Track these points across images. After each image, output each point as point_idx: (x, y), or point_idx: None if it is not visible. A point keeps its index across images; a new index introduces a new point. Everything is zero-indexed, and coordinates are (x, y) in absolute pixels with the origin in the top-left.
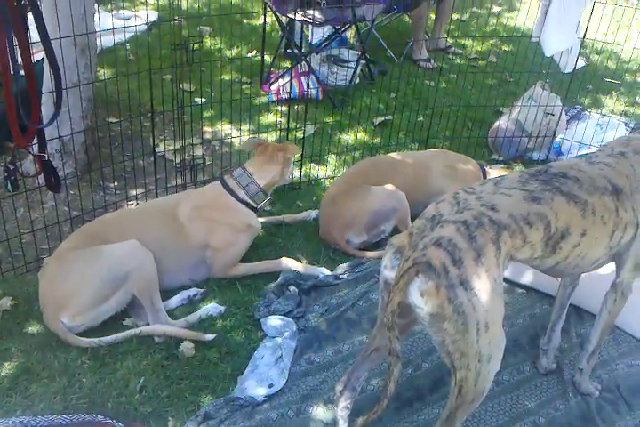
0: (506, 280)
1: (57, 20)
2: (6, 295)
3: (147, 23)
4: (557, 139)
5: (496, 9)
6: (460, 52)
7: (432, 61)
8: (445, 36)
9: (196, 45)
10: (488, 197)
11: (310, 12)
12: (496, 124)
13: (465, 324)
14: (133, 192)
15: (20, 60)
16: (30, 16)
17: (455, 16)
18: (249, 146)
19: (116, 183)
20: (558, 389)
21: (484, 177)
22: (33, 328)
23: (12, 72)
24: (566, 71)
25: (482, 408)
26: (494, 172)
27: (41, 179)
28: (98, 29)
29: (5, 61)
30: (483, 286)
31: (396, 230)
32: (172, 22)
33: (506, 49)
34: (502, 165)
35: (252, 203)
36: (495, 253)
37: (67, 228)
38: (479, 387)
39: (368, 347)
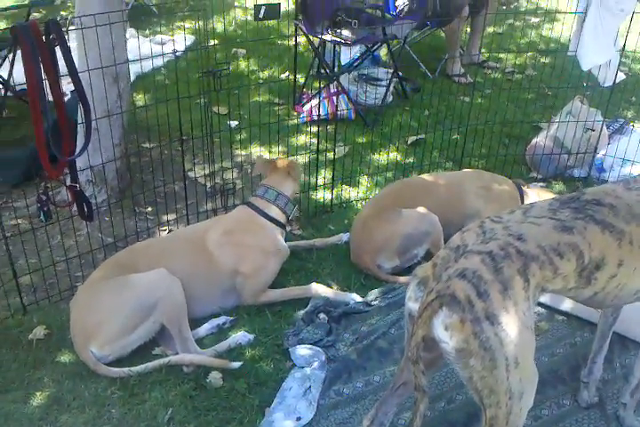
0: (545, 307)
1: (84, 52)
2: (40, 324)
3: (173, 51)
4: (599, 155)
5: (534, 20)
6: (497, 65)
7: (467, 76)
8: (481, 50)
9: (224, 72)
10: (515, 227)
11: (341, 32)
12: (533, 140)
13: (493, 360)
14: (166, 217)
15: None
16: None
17: (491, 29)
18: (262, 168)
19: (149, 209)
20: (601, 424)
21: (522, 197)
22: (65, 357)
23: (41, 106)
24: (605, 85)
25: None
26: (532, 191)
27: (74, 208)
28: (131, 56)
29: (35, 95)
30: (510, 320)
31: (429, 254)
32: (199, 50)
33: (544, 61)
34: (541, 184)
35: (282, 218)
36: (523, 286)
37: (100, 255)
38: (511, 426)
39: (396, 381)
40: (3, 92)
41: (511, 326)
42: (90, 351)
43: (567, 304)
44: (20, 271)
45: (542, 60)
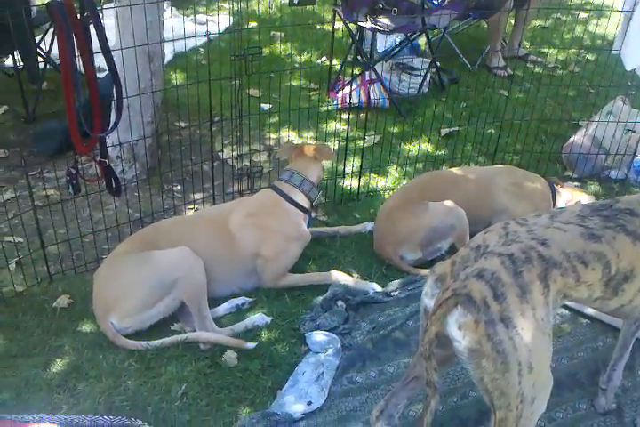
0: (569, 309)
1: (118, 31)
2: (64, 293)
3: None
4: (638, 157)
5: (583, 15)
6: (540, 60)
7: (507, 69)
8: (524, 43)
9: (256, 56)
10: (540, 231)
11: (380, 19)
12: (571, 139)
13: (505, 363)
14: (193, 197)
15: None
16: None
17: (536, 22)
18: (286, 152)
19: (177, 187)
20: None
21: (554, 196)
22: (86, 327)
23: (73, 82)
24: None
25: None
26: (566, 190)
27: (103, 182)
28: (171, 35)
29: (67, 72)
30: (526, 325)
31: (453, 248)
32: (234, 32)
33: (589, 58)
34: (576, 184)
35: (306, 203)
36: (542, 291)
37: (127, 229)
38: None
39: (408, 374)
40: (43, 64)
41: (526, 330)
42: (110, 323)
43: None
44: (48, 241)
45: (587, 56)
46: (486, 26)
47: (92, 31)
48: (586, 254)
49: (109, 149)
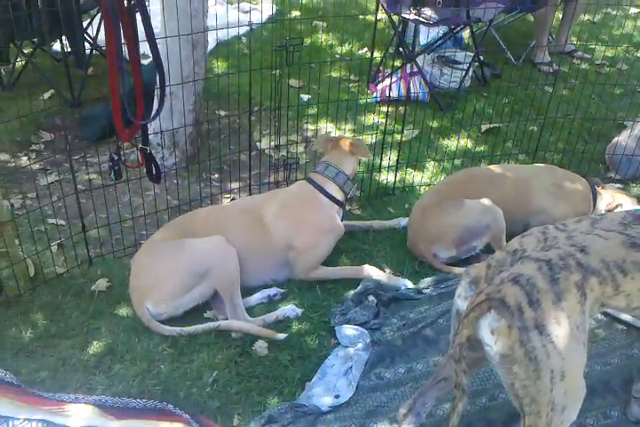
0: (605, 314)
1: (164, 18)
2: (103, 277)
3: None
4: None
5: (634, 10)
6: (587, 56)
7: (553, 65)
8: (571, 38)
9: (296, 47)
10: (580, 238)
11: (423, 11)
12: (615, 139)
13: (537, 370)
14: (230, 186)
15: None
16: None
17: (585, 17)
18: (322, 145)
19: (215, 176)
20: None
21: (594, 198)
22: (123, 311)
23: (119, 69)
24: None
25: None
26: (607, 192)
27: (144, 169)
28: (215, 23)
29: (112, 58)
30: (560, 333)
31: (488, 247)
32: (275, 22)
33: (639, 56)
34: (618, 185)
35: (340, 196)
36: (579, 300)
37: (165, 216)
38: None
39: (437, 375)
40: (89, 50)
41: (560, 338)
42: (145, 308)
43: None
44: (90, 225)
45: (636, 54)
46: (533, 19)
47: (138, 18)
48: (626, 263)
49: (150, 137)
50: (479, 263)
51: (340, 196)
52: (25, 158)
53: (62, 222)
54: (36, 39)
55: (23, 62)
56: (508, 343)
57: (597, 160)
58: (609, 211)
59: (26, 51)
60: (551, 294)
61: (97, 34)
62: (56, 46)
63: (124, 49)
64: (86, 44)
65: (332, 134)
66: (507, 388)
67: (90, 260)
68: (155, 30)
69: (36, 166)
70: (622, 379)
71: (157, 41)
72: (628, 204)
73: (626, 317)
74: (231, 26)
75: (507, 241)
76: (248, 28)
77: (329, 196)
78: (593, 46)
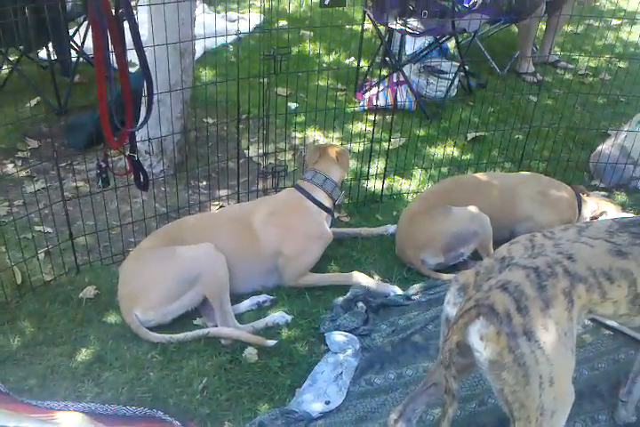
0: (592, 319)
1: (152, 26)
2: (91, 284)
3: (237, 32)
4: None
5: (615, 22)
6: (570, 66)
7: (537, 75)
8: (555, 49)
9: (284, 56)
10: (567, 245)
11: (409, 21)
12: (599, 148)
13: (526, 376)
14: (219, 193)
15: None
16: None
17: (568, 28)
18: (314, 156)
19: (203, 183)
20: None
21: (579, 205)
22: (111, 318)
23: (106, 76)
24: None
25: None
26: (592, 200)
27: (132, 176)
28: (202, 31)
29: (100, 66)
30: (548, 339)
31: (476, 254)
32: (263, 32)
33: (621, 66)
34: (603, 193)
35: (329, 203)
36: (566, 307)
37: (153, 223)
38: None
39: (427, 380)
40: (76, 57)
41: (549, 344)
42: (134, 315)
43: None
44: (77, 232)
45: (618, 64)
46: (517, 30)
47: (125, 26)
48: (612, 271)
49: (138, 144)
50: (468, 270)
51: (328, 203)
52: (11, 166)
53: (49, 230)
54: (22, 46)
55: (9, 70)
56: (496, 349)
57: (582, 168)
58: (594, 218)
59: (11, 58)
60: (539, 300)
61: (83, 41)
62: (42, 54)
63: (112, 57)
64: (72, 52)
65: (320, 143)
66: (496, 393)
67: (77, 267)
68: (142, 38)
69: (23, 174)
70: (609, 383)
71: (145, 49)
72: (612, 211)
73: (612, 322)
74: (219, 35)
75: (494, 248)
76: (235, 36)
77: (317, 203)
78: (576, 57)
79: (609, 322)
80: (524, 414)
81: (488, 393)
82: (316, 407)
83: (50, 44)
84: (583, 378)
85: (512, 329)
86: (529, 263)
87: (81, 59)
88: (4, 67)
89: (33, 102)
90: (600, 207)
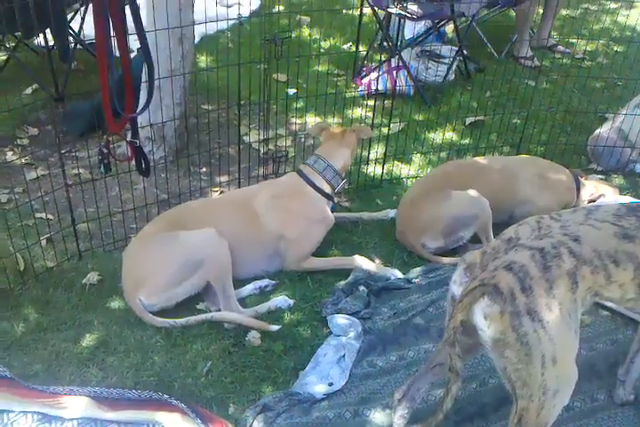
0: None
1: (153, 11)
2: (94, 270)
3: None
4: None
5: (612, 6)
6: (567, 51)
7: (535, 59)
8: (552, 33)
9: (285, 41)
10: (574, 227)
11: (408, 5)
12: (597, 131)
13: (529, 355)
14: (219, 179)
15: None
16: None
17: (565, 12)
18: (316, 130)
19: (204, 169)
20: (634, 422)
21: (578, 188)
22: (115, 304)
23: (108, 63)
24: None
25: None
26: (590, 183)
27: (133, 162)
28: (198, 17)
29: (102, 51)
30: (552, 319)
31: (475, 238)
32: (262, 16)
33: (618, 50)
34: (600, 176)
35: (328, 189)
36: (570, 288)
37: (155, 210)
38: (541, 420)
39: (432, 360)
40: (73, 44)
41: (552, 324)
42: (138, 300)
43: None
44: (79, 219)
45: (615, 48)
46: (515, 15)
47: (127, 11)
48: (618, 254)
49: (139, 130)
50: (475, 250)
51: (327, 189)
52: (10, 153)
53: (51, 217)
54: (19, 33)
55: (6, 57)
56: (500, 328)
57: (579, 152)
58: (592, 201)
59: (8, 45)
60: (543, 281)
61: (81, 27)
62: (39, 40)
63: (113, 42)
64: (70, 38)
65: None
66: (500, 372)
67: (80, 253)
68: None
69: (23, 161)
70: (608, 363)
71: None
72: (610, 194)
73: (610, 303)
74: (219, 20)
75: (493, 231)
76: (233, 22)
77: (317, 188)
78: (573, 41)
79: (607, 303)
80: (527, 393)
81: (489, 373)
82: (320, 389)
83: (48, 31)
84: (582, 358)
85: (516, 308)
86: (535, 244)
87: (78, 45)
88: (1, 54)
89: (30, 89)
90: (598, 190)
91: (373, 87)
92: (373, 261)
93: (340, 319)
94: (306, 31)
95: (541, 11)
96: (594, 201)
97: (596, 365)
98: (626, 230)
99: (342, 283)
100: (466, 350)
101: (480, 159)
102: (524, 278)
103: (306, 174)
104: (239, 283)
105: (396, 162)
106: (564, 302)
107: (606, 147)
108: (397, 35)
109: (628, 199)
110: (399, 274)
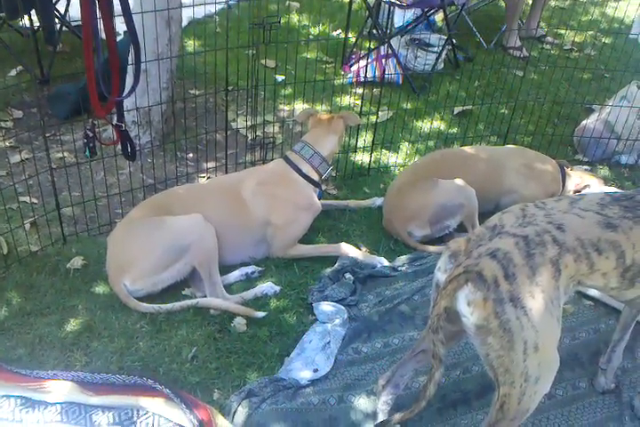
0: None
1: None
2: (78, 255)
3: (226, 1)
4: None
5: None
6: (556, 41)
7: (523, 50)
8: (541, 24)
9: (274, 25)
10: (558, 216)
11: None
12: (583, 122)
13: (511, 341)
14: (206, 165)
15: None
16: None
17: (554, 3)
18: (303, 116)
19: (190, 155)
20: (614, 410)
21: (563, 179)
22: (99, 289)
23: (93, 44)
24: None
25: (529, 420)
26: (575, 173)
27: (118, 146)
28: (188, 1)
29: (88, 34)
30: (534, 306)
31: (461, 227)
32: (250, 1)
33: (606, 42)
34: (586, 167)
35: (315, 176)
36: (553, 275)
37: (140, 195)
38: (523, 406)
39: (416, 347)
40: (59, 26)
41: (535, 311)
42: (122, 285)
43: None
44: (63, 203)
45: (603, 39)
46: (504, 4)
47: None
48: (600, 242)
49: (125, 114)
50: (459, 238)
51: (314, 176)
52: None
53: (35, 200)
54: (4, 14)
55: None
56: (483, 315)
57: (566, 143)
58: (577, 191)
59: None
60: (527, 268)
61: (67, 9)
62: (24, 21)
63: (100, 24)
64: (56, 20)
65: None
66: (482, 358)
67: (64, 238)
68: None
69: (6, 144)
70: (590, 352)
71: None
72: (595, 185)
73: (593, 293)
74: (207, 2)
75: (479, 220)
76: (222, 6)
77: (303, 175)
78: (562, 32)
79: (590, 292)
80: (509, 380)
81: (472, 361)
82: (305, 375)
83: (34, 12)
84: (564, 347)
85: (499, 295)
86: (519, 232)
87: (64, 27)
88: None
89: (15, 71)
90: (583, 181)
91: (362, 75)
92: (360, 248)
93: (326, 306)
94: (295, 17)
95: (530, 1)
96: (579, 191)
97: (578, 353)
98: (609, 219)
99: (328, 270)
100: (449, 337)
101: (467, 149)
102: (507, 266)
103: (292, 161)
104: (225, 269)
105: (383, 150)
106: (547, 290)
107: (592, 138)
108: (387, 22)
109: (612, 190)
110: (385, 262)
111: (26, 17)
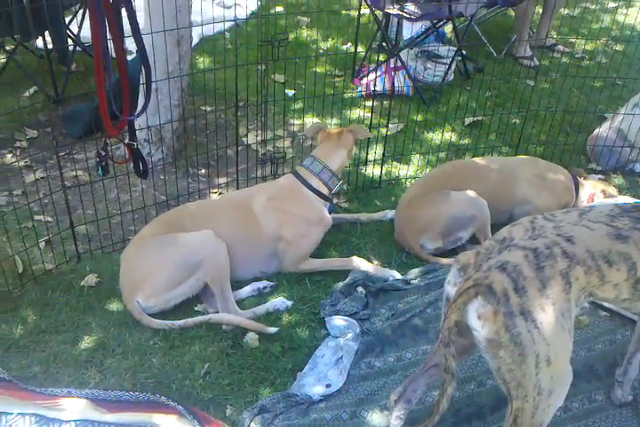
0: (589, 302)
1: (149, 13)
2: (92, 273)
3: (234, 19)
4: None
5: (611, 4)
6: (567, 50)
7: (534, 59)
8: (552, 32)
9: (282, 42)
10: (567, 228)
11: (406, 6)
12: (596, 131)
13: (522, 355)
14: (217, 181)
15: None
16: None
17: (564, 11)
18: (312, 131)
19: (202, 171)
20: (633, 423)
21: (577, 188)
22: (113, 306)
23: (105, 65)
24: None
25: None
26: (589, 183)
27: (131, 164)
28: (196, 18)
29: (99, 54)
30: (545, 319)
31: (474, 239)
32: (260, 18)
33: (618, 49)
34: (600, 176)
35: (325, 191)
36: (564, 288)
37: (153, 212)
38: (536, 420)
39: (428, 361)
40: (72, 46)
41: (546, 324)
42: (136, 302)
43: None
44: (77, 221)
45: (615, 47)
46: (513, 14)
47: (123, 13)
48: (611, 254)
49: (136, 132)
50: (469, 251)
51: (324, 191)
52: (9, 156)
53: (50, 219)
54: (18, 36)
55: (5, 59)
56: (493, 328)
57: (579, 152)
58: (591, 201)
59: (7, 48)
60: (537, 281)
61: (79, 30)
62: (38, 43)
63: (110, 44)
64: (69, 41)
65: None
66: (494, 372)
67: (78, 256)
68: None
69: (22, 163)
70: (606, 364)
71: (142, 36)
72: (609, 194)
73: (608, 304)
74: (216, 21)
75: (492, 232)
76: (232, 23)
77: (313, 190)
78: (573, 40)
79: (605, 304)
80: (522, 393)
81: (486, 374)
82: (317, 390)
83: (47, 33)
84: (580, 359)
85: (509, 309)
86: (528, 244)
87: (77, 47)
88: (1, 56)
89: (30, 92)
90: (597, 190)
91: (372, 88)
92: (371, 262)
93: (338, 321)
94: (305, 31)
95: (540, 10)
96: (593, 201)
97: (594, 365)
98: (619, 231)
99: (340, 284)
100: (461, 351)
101: (478, 160)
102: (517, 279)
103: (302, 176)
104: (237, 284)
105: (394, 162)
106: (558, 303)
107: (605, 146)
108: (396, 35)
109: (627, 199)
110: (397, 275)
111: (40, 38)
